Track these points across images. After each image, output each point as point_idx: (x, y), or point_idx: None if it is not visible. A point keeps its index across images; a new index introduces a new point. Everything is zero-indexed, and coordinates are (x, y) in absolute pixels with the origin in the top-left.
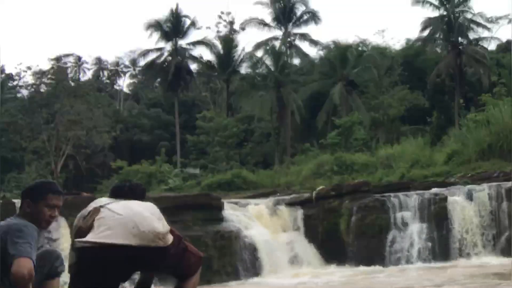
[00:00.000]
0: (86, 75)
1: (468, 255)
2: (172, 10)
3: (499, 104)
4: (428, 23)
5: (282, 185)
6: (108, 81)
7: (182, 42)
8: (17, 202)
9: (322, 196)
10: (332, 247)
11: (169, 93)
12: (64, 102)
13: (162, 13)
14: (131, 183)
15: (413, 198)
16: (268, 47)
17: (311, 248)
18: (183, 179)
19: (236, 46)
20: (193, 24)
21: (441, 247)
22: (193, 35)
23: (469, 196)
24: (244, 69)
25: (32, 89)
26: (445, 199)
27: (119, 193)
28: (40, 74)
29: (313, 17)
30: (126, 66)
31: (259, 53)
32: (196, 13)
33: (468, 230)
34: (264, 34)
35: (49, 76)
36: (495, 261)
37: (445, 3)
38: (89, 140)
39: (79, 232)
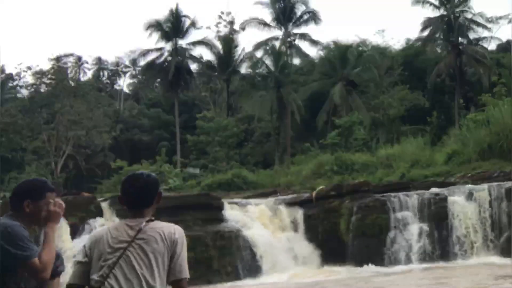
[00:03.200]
0: (86, 75)
1: (468, 255)
2: (172, 10)
3: (499, 104)
4: (428, 23)
5: (282, 185)
6: (108, 81)
7: (182, 42)
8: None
9: (322, 196)
10: (332, 247)
11: (169, 93)
12: (64, 102)
13: (162, 13)
14: (143, 190)
15: (413, 198)
16: (268, 47)
17: (311, 248)
18: (183, 179)
19: (236, 46)
20: (193, 24)
21: (441, 247)
22: (193, 35)
23: (469, 196)
24: (244, 69)
25: (32, 89)
26: (445, 199)
27: (132, 202)
28: (40, 74)
29: (313, 17)
30: (126, 66)
31: (259, 53)
32: (196, 13)
33: (468, 230)
34: (264, 34)
35: (49, 76)
36: (495, 261)
37: (445, 3)
38: (89, 140)
39: None
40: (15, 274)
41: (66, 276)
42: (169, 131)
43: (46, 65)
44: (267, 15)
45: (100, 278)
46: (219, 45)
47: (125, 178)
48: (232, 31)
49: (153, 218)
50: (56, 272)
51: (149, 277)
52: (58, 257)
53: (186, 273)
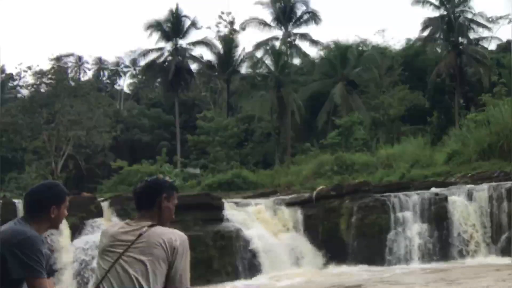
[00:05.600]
0: (87, 75)
1: (468, 255)
2: (172, 10)
3: (499, 104)
4: (428, 23)
5: (282, 185)
6: (108, 81)
7: (182, 42)
8: (18, 202)
9: (322, 196)
10: (332, 247)
11: (169, 93)
12: (65, 102)
13: (162, 13)
14: (142, 190)
15: (413, 198)
16: (268, 47)
17: (311, 248)
18: (183, 179)
19: (237, 46)
20: (193, 24)
21: (441, 247)
22: (193, 35)
23: (469, 196)
24: (244, 69)
25: (33, 89)
26: (445, 199)
27: (137, 203)
28: (40, 74)
29: (313, 17)
30: (126, 66)
31: (259, 53)
32: (196, 13)
33: (468, 230)
34: (264, 34)
35: (49, 76)
36: (495, 261)
37: (445, 3)
38: (89, 140)
39: None
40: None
41: (65, 276)
42: (169, 131)
43: (46, 65)
44: (267, 15)
45: (96, 280)
46: (219, 45)
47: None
48: (232, 31)
49: (155, 223)
50: (51, 271)
51: (144, 283)
52: (51, 257)
53: (186, 283)
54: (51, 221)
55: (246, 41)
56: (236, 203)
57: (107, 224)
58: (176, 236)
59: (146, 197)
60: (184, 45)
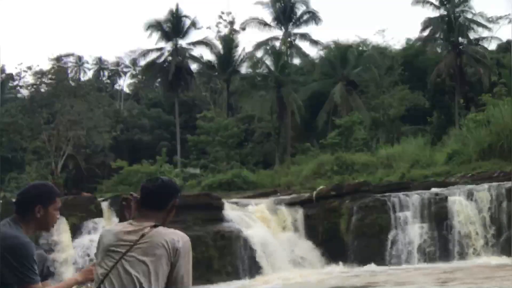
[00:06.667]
0: (87, 75)
1: (468, 254)
2: (172, 10)
3: (499, 104)
4: (428, 23)
5: (282, 185)
6: (108, 81)
7: (183, 42)
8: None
9: (322, 196)
10: (332, 247)
11: (170, 93)
12: (65, 102)
13: (162, 13)
14: (154, 188)
15: (413, 198)
16: (268, 47)
17: (311, 248)
18: (183, 179)
19: (237, 46)
20: (193, 24)
21: (441, 247)
22: (193, 35)
23: (470, 196)
24: (244, 69)
25: (33, 89)
26: (445, 199)
27: (141, 202)
28: (40, 74)
29: (314, 17)
30: (126, 66)
31: (260, 53)
32: (196, 13)
33: (468, 230)
34: (264, 34)
35: (49, 76)
36: (495, 261)
37: (445, 3)
38: (89, 140)
39: None
40: None
41: (65, 276)
42: (169, 131)
43: (46, 65)
44: (267, 15)
45: (97, 279)
46: (219, 45)
47: (146, 179)
48: (232, 31)
49: (159, 224)
50: (49, 272)
51: (145, 284)
52: (47, 259)
53: (188, 285)
54: (38, 222)
55: (246, 41)
56: (236, 203)
57: (107, 224)
58: (178, 237)
59: (161, 197)
60: (184, 45)
